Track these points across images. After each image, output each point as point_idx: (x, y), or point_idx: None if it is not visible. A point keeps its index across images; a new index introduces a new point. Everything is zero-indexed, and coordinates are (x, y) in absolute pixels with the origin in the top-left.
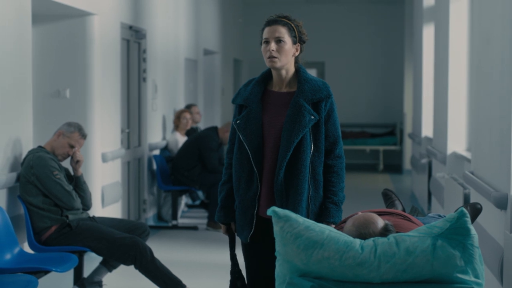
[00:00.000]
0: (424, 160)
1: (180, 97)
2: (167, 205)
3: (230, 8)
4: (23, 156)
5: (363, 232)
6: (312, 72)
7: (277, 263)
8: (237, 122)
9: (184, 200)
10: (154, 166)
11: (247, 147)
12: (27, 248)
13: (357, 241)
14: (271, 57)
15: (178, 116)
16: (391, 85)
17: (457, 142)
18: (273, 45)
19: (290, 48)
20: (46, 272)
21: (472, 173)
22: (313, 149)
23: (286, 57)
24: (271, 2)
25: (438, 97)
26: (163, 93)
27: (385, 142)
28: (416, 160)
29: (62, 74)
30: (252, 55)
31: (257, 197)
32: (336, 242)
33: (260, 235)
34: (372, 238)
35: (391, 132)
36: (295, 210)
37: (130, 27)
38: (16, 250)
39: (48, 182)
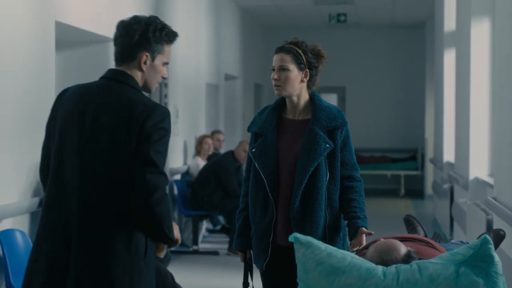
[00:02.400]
0: (446, 186)
1: (201, 122)
2: (188, 230)
3: (251, 33)
4: None
5: (385, 258)
6: (333, 97)
7: None
8: (253, 150)
9: (205, 225)
10: (175, 191)
11: (262, 175)
12: None
13: (380, 268)
14: (276, 86)
15: (200, 142)
16: (412, 110)
17: (479, 167)
18: (276, 74)
19: (295, 75)
20: None
21: (495, 199)
22: (329, 177)
23: (291, 85)
24: (291, 27)
25: (459, 122)
26: (184, 118)
27: (407, 167)
28: (437, 186)
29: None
30: None
31: (273, 225)
32: (358, 269)
33: (276, 263)
34: (394, 265)
35: (413, 157)
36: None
37: None
38: None
39: None
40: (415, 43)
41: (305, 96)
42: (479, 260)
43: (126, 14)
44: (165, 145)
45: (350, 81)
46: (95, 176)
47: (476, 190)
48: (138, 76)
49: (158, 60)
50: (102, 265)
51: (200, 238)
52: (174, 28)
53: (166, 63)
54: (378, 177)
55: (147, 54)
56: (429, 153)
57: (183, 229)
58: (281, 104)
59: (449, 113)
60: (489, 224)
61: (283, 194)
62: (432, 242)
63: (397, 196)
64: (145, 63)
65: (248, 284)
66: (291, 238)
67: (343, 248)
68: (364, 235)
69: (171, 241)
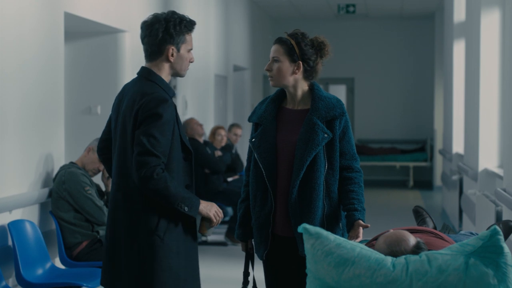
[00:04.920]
0: (455, 177)
1: (210, 113)
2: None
3: (259, 24)
4: (55, 172)
5: (394, 249)
6: (342, 88)
7: (308, 280)
8: (252, 140)
9: None
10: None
11: (261, 165)
12: (58, 263)
13: (389, 259)
14: (269, 77)
15: (213, 133)
16: (421, 101)
17: (488, 159)
18: (269, 65)
19: (286, 67)
20: (77, 287)
21: (504, 190)
22: (327, 167)
23: (282, 76)
24: (300, 18)
25: (469, 113)
26: (193, 109)
27: (416, 158)
28: (447, 177)
29: (94, 91)
30: None
31: (272, 215)
32: (367, 260)
33: (276, 252)
34: (403, 256)
35: (422, 148)
36: None
37: None
38: (48, 265)
39: (79, 198)
40: (424, 34)
41: (303, 87)
42: (488, 251)
43: (135, 5)
44: (160, 129)
45: (359, 72)
46: (115, 156)
47: (486, 181)
48: (166, 67)
49: (183, 50)
50: (119, 237)
51: None
52: None
53: (190, 49)
54: (387, 168)
55: (172, 47)
56: (438, 144)
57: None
58: (281, 94)
59: (459, 104)
60: (498, 215)
61: (281, 184)
62: (441, 234)
63: (406, 188)
64: (172, 55)
65: (248, 273)
66: (300, 229)
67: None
68: (361, 228)
69: (190, 218)
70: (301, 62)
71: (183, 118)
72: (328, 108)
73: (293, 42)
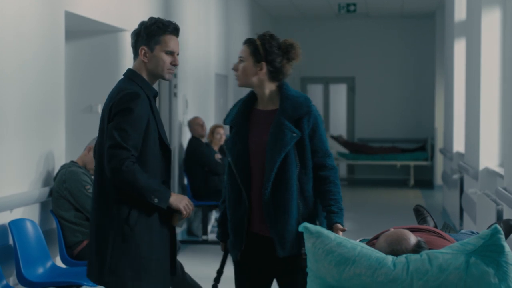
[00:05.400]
0: (456, 176)
1: (210, 112)
2: (198, 220)
3: (260, 23)
4: (56, 171)
5: (395, 248)
6: (343, 88)
7: (308, 279)
8: (227, 142)
9: (214, 215)
10: (185, 181)
11: (233, 168)
12: (59, 262)
13: (389, 258)
14: (235, 76)
15: (212, 131)
16: (422, 100)
17: (489, 158)
18: (235, 65)
19: (250, 67)
20: (78, 286)
21: (505, 189)
22: (299, 167)
23: (245, 76)
24: (301, 17)
25: (470, 112)
26: (193, 108)
27: (416, 157)
28: (447, 176)
29: (94, 89)
30: None
31: (249, 214)
32: (368, 259)
33: (252, 252)
34: (404, 255)
35: (422, 147)
36: (286, 227)
37: None
38: (49, 264)
39: (80, 197)
40: (425, 33)
41: (269, 87)
42: (489, 250)
43: (136, 4)
44: (131, 123)
45: (360, 72)
46: (96, 152)
47: (486, 180)
48: (143, 68)
49: (158, 50)
50: (94, 229)
51: (210, 228)
52: (184, 19)
53: (170, 52)
54: (387, 167)
55: (144, 47)
56: (439, 144)
57: (192, 219)
58: (253, 95)
59: (459, 103)
60: (499, 214)
61: (255, 185)
62: (442, 232)
63: (407, 187)
64: (145, 55)
65: (222, 272)
66: (301, 228)
67: None
68: (340, 232)
69: (161, 209)
70: (264, 63)
71: (183, 117)
72: (295, 107)
73: (258, 43)
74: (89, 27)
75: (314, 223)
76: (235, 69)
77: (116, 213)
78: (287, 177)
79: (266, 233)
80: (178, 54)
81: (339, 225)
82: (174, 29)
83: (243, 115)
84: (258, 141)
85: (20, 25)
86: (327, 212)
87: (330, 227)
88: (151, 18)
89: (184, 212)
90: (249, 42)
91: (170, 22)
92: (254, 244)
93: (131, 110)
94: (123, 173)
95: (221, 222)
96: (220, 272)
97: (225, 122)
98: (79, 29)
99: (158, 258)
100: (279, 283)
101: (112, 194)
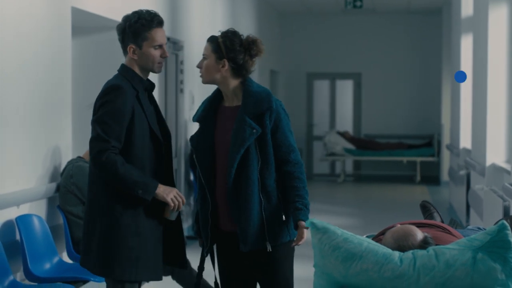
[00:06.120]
0: (462, 172)
1: None
2: None
3: (266, 19)
4: (63, 166)
5: (402, 244)
6: (349, 83)
7: (315, 275)
8: (192, 139)
9: None
10: (191, 177)
11: (197, 164)
12: (66, 258)
13: (396, 254)
14: (199, 73)
15: None
16: (428, 96)
17: (496, 154)
18: (199, 62)
19: (212, 64)
20: (85, 281)
21: None
22: (261, 162)
23: (208, 73)
24: (307, 13)
25: (476, 107)
26: (200, 104)
27: (423, 153)
28: (454, 172)
29: (101, 85)
30: (288, 66)
31: (215, 212)
32: (375, 254)
33: (222, 248)
34: (411, 251)
35: (429, 143)
36: (248, 222)
37: (168, 39)
38: (55, 259)
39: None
40: (431, 29)
41: (233, 83)
42: (496, 246)
43: (142, 0)
44: (112, 115)
45: (366, 68)
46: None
47: (493, 176)
48: (134, 64)
49: (146, 47)
50: (84, 219)
51: None
52: (190, 14)
53: (158, 46)
54: (394, 163)
55: (132, 46)
56: (446, 139)
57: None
58: (219, 92)
59: (466, 99)
60: (506, 210)
61: (220, 181)
62: (449, 228)
63: (413, 183)
64: (134, 52)
65: (203, 268)
66: (307, 224)
67: (289, 233)
68: (304, 230)
69: (146, 201)
70: (226, 60)
71: (190, 113)
72: (256, 103)
73: (220, 40)
74: (95, 23)
75: (280, 218)
76: (199, 66)
77: (103, 204)
78: (248, 173)
79: (232, 229)
80: (166, 44)
81: (303, 223)
82: (158, 23)
83: (209, 112)
84: (223, 138)
85: (27, 21)
86: (292, 209)
87: (296, 225)
88: (134, 14)
89: (172, 204)
90: (211, 39)
91: (153, 16)
92: (223, 240)
93: (111, 102)
94: (104, 165)
95: (197, 218)
96: (201, 268)
97: (193, 119)
98: (85, 25)
99: (147, 249)
100: (251, 279)
101: (99, 185)
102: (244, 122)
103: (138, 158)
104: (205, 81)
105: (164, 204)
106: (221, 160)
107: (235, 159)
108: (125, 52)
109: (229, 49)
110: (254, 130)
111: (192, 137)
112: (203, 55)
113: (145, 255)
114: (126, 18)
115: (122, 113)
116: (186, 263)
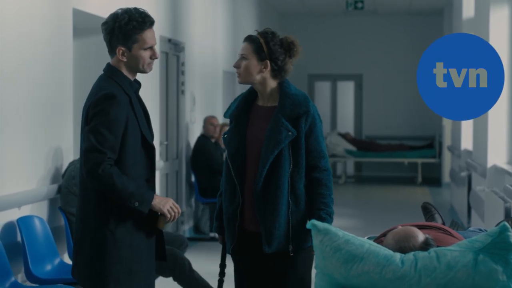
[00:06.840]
0: (464, 173)
1: (218, 109)
2: (205, 217)
3: (267, 20)
4: (64, 167)
5: (403, 246)
6: (350, 85)
7: (316, 277)
8: (225, 136)
9: None
10: (192, 179)
11: (229, 162)
12: (67, 259)
13: (397, 255)
14: (237, 73)
15: (220, 130)
16: None
17: (497, 155)
18: (237, 62)
19: (254, 65)
20: None
21: None
22: (292, 165)
23: (249, 74)
24: (308, 14)
25: None
26: (201, 106)
27: (424, 154)
28: (455, 173)
29: None
30: None
31: (240, 210)
32: (376, 256)
33: (244, 247)
34: (412, 252)
35: (430, 144)
36: (274, 224)
37: (169, 40)
38: (57, 261)
39: None
40: (433, 31)
41: (271, 85)
42: (497, 248)
43: (143, 1)
44: (107, 125)
45: (367, 69)
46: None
47: (494, 178)
48: (123, 65)
49: (136, 49)
50: (76, 230)
51: None
52: (191, 16)
53: (148, 47)
54: (395, 165)
55: (121, 48)
56: (447, 141)
57: (199, 217)
58: (254, 91)
59: None
60: (507, 212)
61: (249, 180)
62: (450, 229)
63: (415, 184)
64: (123, 54)
65: (225, 265)
66: (308, 225)
67: (312, 239)
68: None
69: (142, 213)
70: (268, 61)
71: (191, 114)
72: (294, 106)
73: (262, 40)
74: (97, 25)
75: (305, 223)
76: (236, 66)
77: (96, 216)
78: (279, 174)
79: (256, 229)
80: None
81: None
82: (150, 24)
83: (243, 110)
84: (255, 136)
85: (28, 22)
86: (316, 216)
87: None
88: (123, 14)
89: (168, 215)
90: (251, 39)
91: (144, 17)
92: (246, 239)
93: (107, 111)
94: (100, 177)
95: (217, 215)
96: (223, 266)
97: (225, 115)
98: (87, 26)
99: (141, 260)
100: (270, 280)
101: (92, 197)
102: (280, 124)
103: (130, 166)
104: (243, 82)
105: (157, 214)
106: (253, 159)
107: (268, 159)
108: (112, 53)
109: (271, 50)
110: (290, 133)
111: (224, 133)
112: (242, 55)
113: (139, 268)
114: (115, 18)
115: (117, 123)
116: (165, 256)
